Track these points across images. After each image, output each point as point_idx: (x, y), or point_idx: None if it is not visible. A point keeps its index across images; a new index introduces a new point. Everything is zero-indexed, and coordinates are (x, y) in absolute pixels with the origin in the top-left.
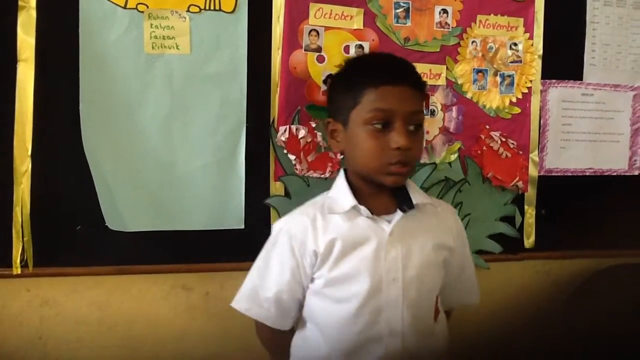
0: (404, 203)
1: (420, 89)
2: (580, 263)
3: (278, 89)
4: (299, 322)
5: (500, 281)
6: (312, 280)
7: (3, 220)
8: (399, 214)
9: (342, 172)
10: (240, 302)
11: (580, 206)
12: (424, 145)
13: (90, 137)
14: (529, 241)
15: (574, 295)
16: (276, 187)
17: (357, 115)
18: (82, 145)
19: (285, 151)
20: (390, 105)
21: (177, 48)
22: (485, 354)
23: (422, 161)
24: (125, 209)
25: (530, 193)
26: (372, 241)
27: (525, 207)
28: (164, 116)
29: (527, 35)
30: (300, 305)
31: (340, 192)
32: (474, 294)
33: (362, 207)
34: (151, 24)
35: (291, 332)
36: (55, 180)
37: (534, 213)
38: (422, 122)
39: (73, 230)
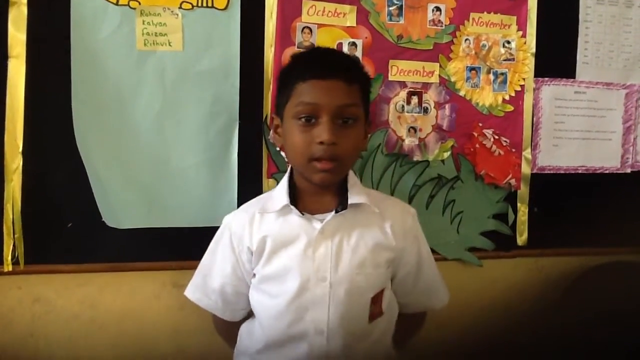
0: (342, 202)
1: (356, 82)
2: (572, 260)
3: (271, 86)
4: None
5: (492, 278)
6: (253, 275)
7: None
8: (331, 213)
9: (289, 169)
10: (192, 291)
11: (573, 204)
12: (364, 140)
13: (83, 134)
14: (522, 238)
15: (566, 293)
16: (269, 185)
17: (288, 110)
18: (74, 142)
19: (277, 148)
20: (316, 99)
21: (170, 45)
22: (477, 350)
23: (414, 159)
24: (118, 205)
25: (523, 191)
26: (302, 239)
27: (518, 204)
28: (156, 113)
29: (520, 33)
30: (247, 299)
31: (280, 189)
32: (438, 298)
33: (292, 207)
34: (143, 21)
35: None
36: (47, 177)
37: (526, 211)
38: (355, 117)
39: (64, 228)
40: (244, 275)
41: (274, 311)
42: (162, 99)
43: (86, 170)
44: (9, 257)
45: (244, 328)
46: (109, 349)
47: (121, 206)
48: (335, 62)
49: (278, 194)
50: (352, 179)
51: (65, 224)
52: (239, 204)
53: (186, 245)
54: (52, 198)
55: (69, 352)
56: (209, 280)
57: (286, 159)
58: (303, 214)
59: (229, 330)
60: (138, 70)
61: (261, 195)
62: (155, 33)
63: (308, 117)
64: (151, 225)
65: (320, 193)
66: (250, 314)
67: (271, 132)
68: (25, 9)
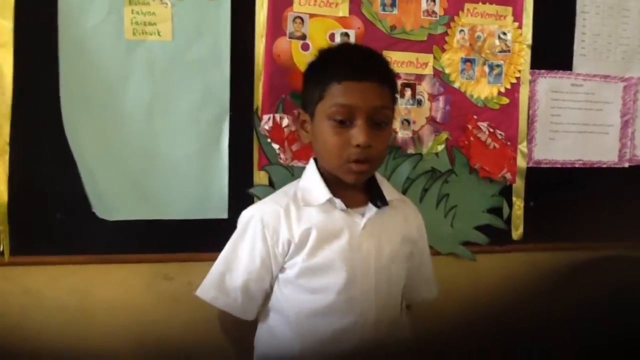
0: (377, 198)
1: (387, 84)
2: (568, 255)
3: (262, 76)
4: (261, 313)
5: (485, 272)
6: (282, 269)
7: None
8: (372, 209)
9: (312, 162)
10: (207, 290)
11: (569, 198)
12: (393, 138)
13: (72, 124)
14: (517, 233)
15: (560, 287)
16: (260, 177)
17: (321, 109)
18: (63, 132)
19: (269, 140)
20: (352, 101)
21: (159, 34)
22: (469, 344)
23: (408, 151)
24: (108, 197)
25: (519, 184)
26: (346, 233)
27: (514, 198)
28: (145, 104)
29: (516, 24)
30: (267, 296)
31: (313, 183)
32: (431, 290)
33: (337, 200)
34: (132, 10)
35: (253, 323)
36: (34, 167)
37: (522, 205)
38: (388, 119)
39: (52, 219)
40: (273, 269)
41: (316, 307)
42: (152, 89)
43: (75, 161)
44: None
45: (262, 332)
46: (99, 341)
47: (111, 197)
48: (370, 64)
49: (313, 186)
50: (378, 175)
51: (53, 215)
52: (230, 195)
53: (176, 237)
54: (40, 189)
55: (58, 343)
56: (229, 278)
57: (315, 156)
58: (347, 208)
59: (237, 330)
60: (127, 60)
61: (284, 189)
62: (144, 22)
63: (343, 119)
64: (141, 217)
65: (350, 188)
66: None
67: (299, 128)
68: None
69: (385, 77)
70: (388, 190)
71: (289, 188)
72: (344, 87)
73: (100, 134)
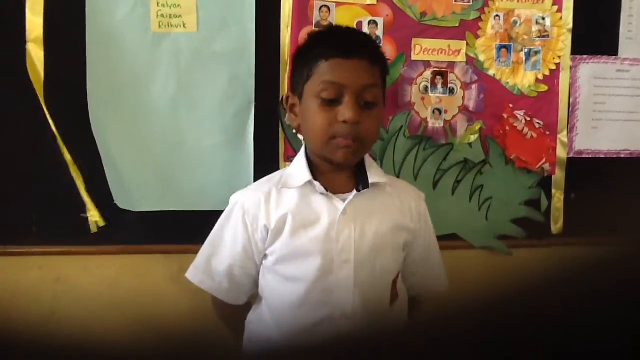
0: (361, 182)
1: (378, 64)
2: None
3: (287, 67)
4: (255, 297)
5: (522, 268)
6: (265, 256)
7: (22, 199)
8: (353, 192)
9: (303, 148)
10: (194, 273)
11: (614, 190)
12: (380, 123)
13: (97, 117)
14: (557, 226)
15: (601, 284)
16: (286, 167)
17: (309, 88)
18: (89, 125)
19: (294, 131)
20: (340, 79)
21: (184, 26)
22: (499, 341)
23: (439, 142)
24: (133, 188)
25: (559, 176)
26: (325, 219)
27: (553, 190)
28: (171, 95)
29: (556, 8)
30: (254, 282)
31: (298, 167)
32: (441, 282)
33: (316, 183)
34: (158, 2)
35: (247, 306)
36: (63, 160)
37: (562, 197)
38: (377, 99)
39: (83, 210)
40: (255, 256)
41: (292, 296)
42: (177, 81)
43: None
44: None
45: (252, 316)
46: (126, 330)
47: (136, 189)
48: (359, 41)
49: (297, 170)
50: (369, 159)
51: (83, 207)
52: None
53: (203, 228)
54: (70, 181)
55: (88, 331)
56: (214, 262)
57: (303, 140)
58: (327, 191)
59: (231, 314)
60: (153, 53)
61: (272, 175)
62: (170, 15)
63: (330, 97)
64: (166, 208)
65: (337, 172)
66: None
67: (287, 112)
68: None
69: (375, 56)
70: (374, 174)
71: (276, 174)
72: (332, 64)
73: (126, 126)
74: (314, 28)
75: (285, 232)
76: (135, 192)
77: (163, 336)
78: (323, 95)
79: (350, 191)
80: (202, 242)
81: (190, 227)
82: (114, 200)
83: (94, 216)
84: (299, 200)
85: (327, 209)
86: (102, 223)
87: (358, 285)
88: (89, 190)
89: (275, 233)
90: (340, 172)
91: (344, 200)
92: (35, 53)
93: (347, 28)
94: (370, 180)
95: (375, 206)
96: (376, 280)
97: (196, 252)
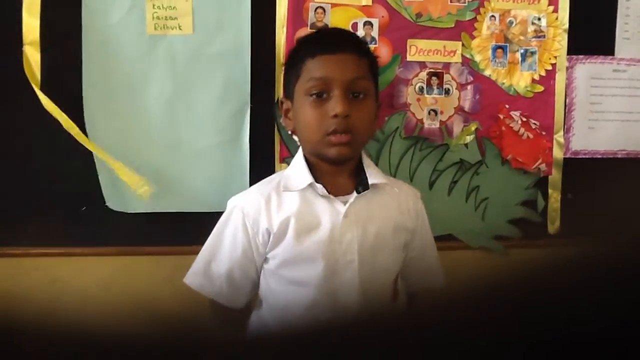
0: (360, 183)
1: (365, 57)
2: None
3: (282, 68)
4: (255, 301)
5: (518, 267)
6: (266, 260)
7: (18, 200)
8: (354, 195)
9: (300, 150)
10: (193, 278)
11: (611, 190)
12: (376, 119)
13: (93, 119)
14: (553, 227)
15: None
16: (281, 169)
17: (299, 88)
18: (84, 127)
19: (290, 132)
20: (327, 73)
21: (180, 28)
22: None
23: (435, 143)
24: (127, 189)
25: (555, 176)
26: (327, 222)
27: (550, 191)
28: (167, 97)
29: (552, 8)
30: (254, 284)
31: (297, 169)
32: (438, 277)
33: (318, 185)
34: (153, 5)
35: (246, 310)
36: (59, 161)
37: (559, 197)
38: (367, 90)
39: (79, 211)
40: (255, 259)
41: (300, 300)
42: (173, 83)
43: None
44: None
45: (254, 318)
46: (123, 331)
47: (130, 190)
48: (344, 36)
49: (296, 172)
50: (367, 160)
51: (80, 208)
52: None
53: (198, 229)
54: (66, 182)
55: (85, 333)
56: (214, 266)
57: (298, 142)
58: (329, 193)
59: (230, 318)
60: (149, 55)
61: (271, 177)
62: (166, 17)
63: (320, 93)
64: (161, 209)
65: (336, 173)
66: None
67: (282, 117)
68: None
69: (362, 50)
70: (373, 174)
71: (275, 176)
72: (318, 60)
73: (122, 128)
74: (309, 29)
75: (289, 236)
76: (129, 194)
77: (158, 339)
78: (312, 92)
79: (350, 192)
80: (198, 244)
81: (186, 229)
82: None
83: (145, 190)
84: (300, 203)
85: (328, 211)
86: (149, 191)
87: (362, 286)
88: (83, 192)
89: (278, 236)
90: (339, 173)
91: (344, 203)
92: (32, 55)
93: (333, 28)
94: (370, 181)
95: (376, 207)
96: (379, 280)
97: (191, 254)
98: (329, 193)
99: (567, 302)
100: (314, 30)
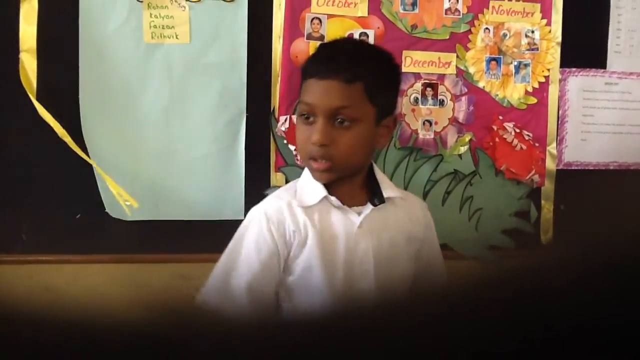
0: (375, 196)
1: (361, 81)
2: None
3: (279, 78)
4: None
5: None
6: (285, 270)
7: (12, 207)
8: (369, 207)
9: None
10: (209, 296)
11: (603, 201)
12: (378, 138)
13: (89, 126)
14: (546, 237)
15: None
16: (277, 178)
17: (298, 105)
18: (81, 134)
19: (285, 141)
20: (312, 100)
21: (177, 38)
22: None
23: (429, 153)
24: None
25: (548, 187)
26: (341, 233)
27: (542, 201)
28: (163, 106)
29: (545, 21)
30: (274, 300)
31: (310, 181)
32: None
33: (332, 198)
34: (150, 14)
35: None
36: (56, 168)
37: (551, 208)
38: (352, 118)
39: (73, 218)
40: (280, 261)
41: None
42: (169, 92)
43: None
44: None
45: None
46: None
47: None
48: (336, 60)
49: (310, 184)
50: (379, 172)
51: (75, 215)
52: (247, 197)
53: (193, 238)
54: (61, 189)
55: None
56: (233, 280)
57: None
58: (344, 205)
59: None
60: (145, 63)
61: (286, 186)
62: (163, 26)
63: (307, 115)
64: (157, 217)
65: (346, 183)
66: None
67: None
68: (36, 3)
69: (354, 73)
70: (387, 188)
71: (291, 185)
72: (309, 84)
73: (118, 136)
74: (305, 40)
75: (308, 245)
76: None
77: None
78: (302, 113)
79: (362, 203)
80: (193, 251)
81: (181, 237)
82: (105, 209)
83: (128, 200)
84: (317, 215)
85: (343, 222)
86: (136, 204)
87: (378, 294)
88: (80, 199)
89: (301, 244)
90: (349, 184)
91: (358, 213)
92: (29, 62)
93: (337, 42)
94: (385, 195)
95: (389, 218)
96: (395, 289)
97: (187, 261)
98: (343, 203)
99: (560, 302)
100: (329, 42)
